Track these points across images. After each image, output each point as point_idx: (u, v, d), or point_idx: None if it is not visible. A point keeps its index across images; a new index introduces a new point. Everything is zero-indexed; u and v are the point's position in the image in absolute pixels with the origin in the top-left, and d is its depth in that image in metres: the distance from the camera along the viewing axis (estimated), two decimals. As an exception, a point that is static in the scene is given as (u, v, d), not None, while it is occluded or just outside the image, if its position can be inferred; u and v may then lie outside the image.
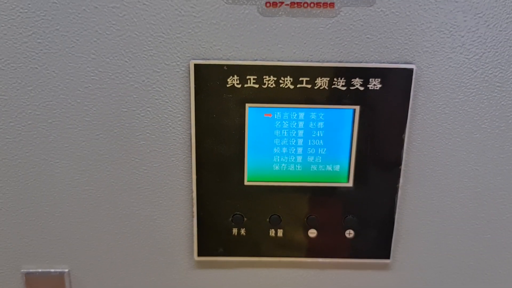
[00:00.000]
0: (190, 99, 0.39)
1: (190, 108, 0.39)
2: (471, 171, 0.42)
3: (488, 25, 0.38)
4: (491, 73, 0.39)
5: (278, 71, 0.38)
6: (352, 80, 0.39)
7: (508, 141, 0.41)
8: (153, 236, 0.44)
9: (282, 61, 0.38)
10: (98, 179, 0.42)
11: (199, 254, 0.44)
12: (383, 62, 0.39)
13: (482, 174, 0.42)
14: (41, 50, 0.38)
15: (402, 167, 0.41)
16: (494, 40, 0.38)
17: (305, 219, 0.43)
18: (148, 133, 0.40)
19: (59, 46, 0.38)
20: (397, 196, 0.42)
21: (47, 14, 0.37)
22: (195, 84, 0.39)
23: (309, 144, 0.41)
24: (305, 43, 0.38)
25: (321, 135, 0.40)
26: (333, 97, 0.39)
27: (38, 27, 0.37)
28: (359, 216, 0.43)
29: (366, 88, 0.39)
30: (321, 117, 0.40)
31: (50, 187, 0.42)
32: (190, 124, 0.40)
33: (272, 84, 0.39)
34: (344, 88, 0.39)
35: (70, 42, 0.38)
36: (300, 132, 0.40)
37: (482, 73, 0.39)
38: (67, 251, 0.44)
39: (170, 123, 0.40)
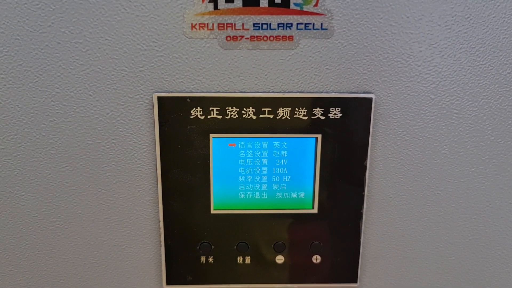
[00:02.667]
0: (154, 131, 0.40)
1: (155, 140, 0.40)
2: (433, 195, 0.43)
3: (443, 55, 0.39)
4: (448, 101, 0.40)
5: (241, 102, 0.39)
6: (313, 109, 0.39)
7: (467, 166, 0.42)
8: (121, 266, 0.44)
9: (244, 92, 0.39)
10: (65, 210, 0.42)
11: (168, 283, 0.44)
12: (343, 92, 0.40)
13: (444, 198, 0.43)
14: (5, 85, 0.38)
15: (366, 192, 0.42)
16: (449, 69, 0.39)
17: (272, 246, 0.43)
18: (113, 164, 0.41)
19: (22, 81, 0.38)
20: (361, 221, 0.43)
21: (10, 50, 0.37)
22: (159, 116, 0.39)
23: (274, 172, 0.41)
24: (266, 75, 0.39)
25: (285, 163, 0.41)
26: (295, 127, 0.40)
27: (2, 62, 0.37)
28: (325, 242, 0.43)
29: (327, 117, 0.40)
30: (284, 146, 0.41)
31: (17, 220, 0.42)
32: (156, 155, 0.40)
33: (235, 115, 0.39)
34: (305, 118, 0.40)
35: (33, 77, 0.38)
36: (264, 161, 0.41)
37: (440, 101, 0.40)
38: (35, 282, 0.44)
39: (135, 155, 0.41)
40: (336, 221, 0.43)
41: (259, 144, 0.40)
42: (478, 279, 0.46)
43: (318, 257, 0.44)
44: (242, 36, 0.38)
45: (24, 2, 0.36)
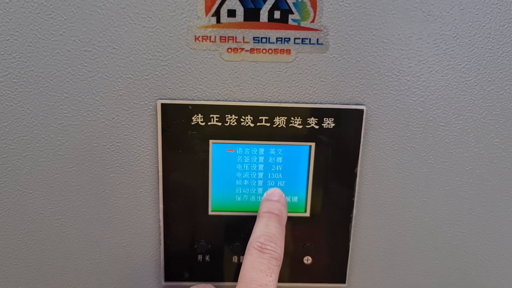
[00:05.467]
0: (157, 136, 0.42)
1: (158, 144, 0.42)
2: (419, 202, 0.45)
3: (431, 71, 0.41)
4: (435, 114, 0.43)
5: (239, 111, 0.41)
6: (308, 119, 0.42)
7: (452, 175, 0.45)
8: (122, 262, 0.46)
9: (243, 101, 0.42)
10: (70, 209, 0.44)
11: (166, 279, 0.46)
12: (336, 103, 0.42)
13: (429, 205, 0.46)
14: (17, 89, 0.40)
15: (355, 198, 0.44)
16: (436, 84, 0.42)
17: (266, 247, 0.45)
18: (117, 166, 0.43)
19: (33, 86, 0.40)
20: (351, 225, 0.45)
21: (23, 56, 0.39)
22: (162, 121, 0.41)
23: (269, 177, 0.44)
24: (264, 85, 0.41)
25: (280, 169, 0.43)
26: (290, 135, 0.42)
27: (14, 67, 0.40)
28: (316, 244, 0.46)
29: (321, 127, 0.42)
30: (279, 153, 0.43)
31: (24, 217, 0.44)
32: (158, 158, 0.43)
33: (234, 122, 0.42)
34: (300, 127, 0.42)
35: (44, 82, 0.40)
36: (261, 166, 0.43)
37: (427, 114, 0.43)
38: (40, 277, 0.47)
39: (138, 157, 0.43)
40: (327, 224, 0.45)
41: (256, 150, 0.43)
42: (460, 282, 0.49)
43: (309, 258, 0.46)
44: (243, 49, 0.40)
45: (38, 11, 0.38)
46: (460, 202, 0.46)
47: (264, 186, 0.44)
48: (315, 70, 0.41)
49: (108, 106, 0.41)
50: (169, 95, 0.41)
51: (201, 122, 0.42)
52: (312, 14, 0.39)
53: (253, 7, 0.39)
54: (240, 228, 0.45)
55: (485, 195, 0.45)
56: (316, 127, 0.42)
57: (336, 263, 0.46)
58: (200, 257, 0.46)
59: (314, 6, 0.39)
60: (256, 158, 0.43)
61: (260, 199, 0.44)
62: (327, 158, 0.43)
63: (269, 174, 0.44)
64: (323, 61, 0.41)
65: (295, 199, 0.44)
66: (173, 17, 0.39)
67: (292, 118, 0.42)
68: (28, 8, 0.38)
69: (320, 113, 0.42)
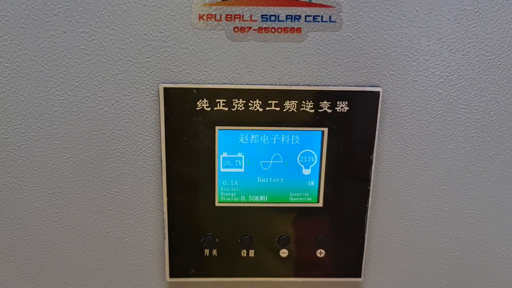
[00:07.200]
0: (160, 122, 0.39)
1: (160, 131, 0.40)
2: (439, 190, 0.43)
3: (451, 50, 0.39)
4: (455, 96, 0.40)
5: (247, 95, 0.39)
6: (320, 103, 0.39)
7: (473, 161, 0.42)
8: (124, 258, 0.44)
9: (251, 84, 0.39)
10: (68, 202, 0.42)
11: (171, 276, 0.44)
12: (350, 85, 0.39)
13: (449, 193, 0.43)
14: (9, 74, 0.38)
15: (371, 187, 0.42)
16: (457, 64, 0.39)
17: (277, 239, 0.43)
18: (118, 155, 0.41)
19: (27, 70, 0.38)
20: (366, 216, 0.43)
21: (15, 38, 0.37)
22: (165, 107, 0.39)
23: (279, 165, 0.41)
24: (273, 67, 0.39)
25: (291, 156, 0.41)
26: (301, 120, 0.40)
27: (6, 51, 0.37)
28: (329, 236, 0.43)
29: (334, 111, 0.39)
30: (290, 139, 0.40)
31: (20, 210, 0.42)
32: (161, 146, 0.40)
33: (241, 107, 0.39)
34: (312, 111, 0.39)
35: (38, 66, 0.38)
36: (270, 154, 0.41)
37: (447, 96, 0.40)
38: (37, 274, 0.44)
39: (140, 146, 0.40)
40: (341, 215, 0.43)
41: (265, 136, 0.40)
42: (482, 275, 0.46)
43: (322, 251, 0.44)
44: (250, 28, 0.37)
45: (30, -10, 0.36)
46: (482, 190, 0.43)
47: (274, 175, 0.41)
48: (327, 50, 0.38)
49: (107, 91, 0.39)
50: (172, 79, 0.39)
51: (207, 107, 0.39)
52: (324, -11, 0.37)
53: (261, -19, 0.36)
54: (249, 220, 0.42)
55: (509, 182, 0.43)
56: (329, 111, 0.39)
57: (350, 256, 0.44)
58: (207, 251, 0.43)
59: (326, -20, 0.36)
60: (265, 145, 0.40)
61: (270, 188, 0.42)
62: (340, 145, 0.40)
63: (279, 162, 0.41)
64: (336, 40, 0.38)
65: (307, 188, 0.42)
66: (176, -6, 0.36)
67: (303, 102, 0.39)
68: (20, -14, 0.36)
69: (333, 96, 0.39)
